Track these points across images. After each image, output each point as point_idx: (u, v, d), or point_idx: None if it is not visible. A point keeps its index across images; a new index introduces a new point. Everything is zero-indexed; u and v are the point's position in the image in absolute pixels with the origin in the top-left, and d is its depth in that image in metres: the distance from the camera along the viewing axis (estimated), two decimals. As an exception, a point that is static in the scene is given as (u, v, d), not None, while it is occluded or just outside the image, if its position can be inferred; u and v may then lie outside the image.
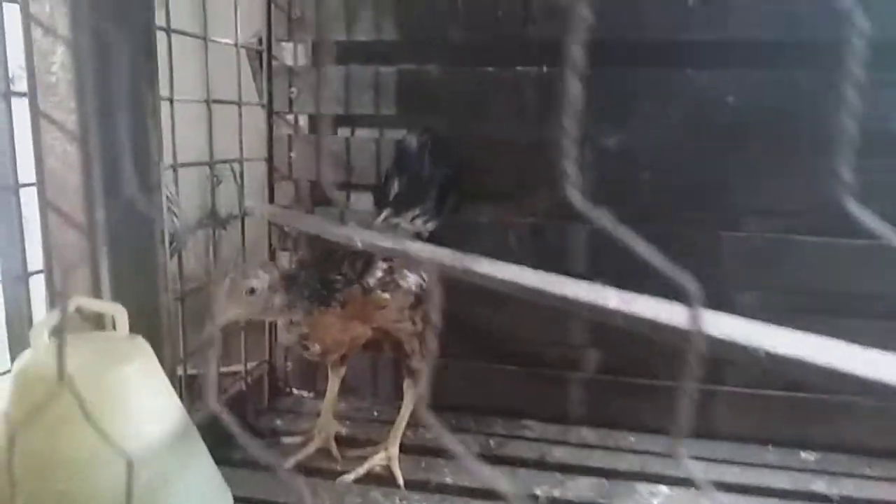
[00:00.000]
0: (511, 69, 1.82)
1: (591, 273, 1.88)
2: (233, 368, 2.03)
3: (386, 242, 1.24)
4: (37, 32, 1.17)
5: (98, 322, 1.17)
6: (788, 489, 1.66)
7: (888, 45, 1.62)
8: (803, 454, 1.82)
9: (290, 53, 1.95)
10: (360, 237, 1.31)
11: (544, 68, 1.80)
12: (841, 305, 1.76)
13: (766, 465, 1.77)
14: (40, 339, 0.98)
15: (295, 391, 2.16)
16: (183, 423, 1.15)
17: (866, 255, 1.70)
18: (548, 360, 1.96)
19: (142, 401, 1.05)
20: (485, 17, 1.81)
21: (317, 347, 1.55)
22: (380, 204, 1.83)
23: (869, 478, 1.72)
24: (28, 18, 1.17)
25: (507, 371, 1.99)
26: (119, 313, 1.09)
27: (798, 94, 1.68)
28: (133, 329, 1.16)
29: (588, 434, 1.93)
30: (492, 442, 1.88)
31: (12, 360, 1.12)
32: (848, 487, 1.66)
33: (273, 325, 2.11)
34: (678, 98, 1.75)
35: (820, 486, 1.67)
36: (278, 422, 2.00)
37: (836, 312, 1.75)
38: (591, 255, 1.85)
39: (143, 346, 1.11)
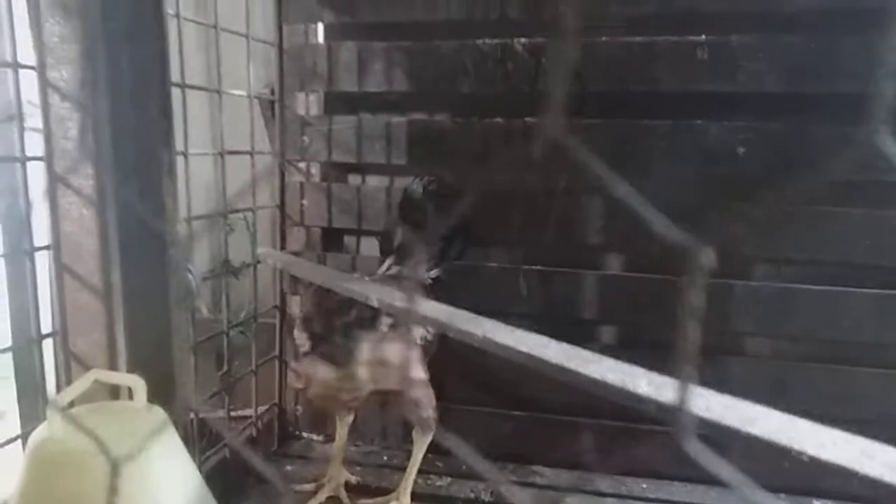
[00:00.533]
0: (520, 120, 1.84)
1: (597, 320, 1.90)
2: (243, 413, 2.04)
3: (395, 299, 1.25)
4: (54, 98, 1.19)
5: (115, 390, 1.17)
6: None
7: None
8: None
9: (303, 103, 1.98)
10: (372, 293, 1.32)
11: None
12: (851, 354, 1.76)
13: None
14: (56, 413, 0.98)
15: (305, 435, 2.16)
16: (202, 496, 1.15)
17: (875, 305, 1.70)
18: (558, 405, 1.95)
19: (165, 479, 1.05)
20: (494, 70, 1.83)
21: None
22: (384, 252, 1.85)
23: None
24: (45, 84, 1.20)
25: (516, 417, 1.98)
26: (138, 386, 1.10)
27: (805, 146, 1.69)
28: (149, 387, 1.16)
29: (600, 482, 1.92)
30: (503, 489, 1.87)
31: (22, 422, 1.13)
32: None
33: (283, 368, 2.11)
34: (688, 149, 1.76)
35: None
36: (288, 467, 1.99)
37: (846, 361, 1.75)
38: (598, 300, 1.86)
39: (162, 418, 1.11)
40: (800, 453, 0.59)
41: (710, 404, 0.67)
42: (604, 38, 1.77)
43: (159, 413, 1.11)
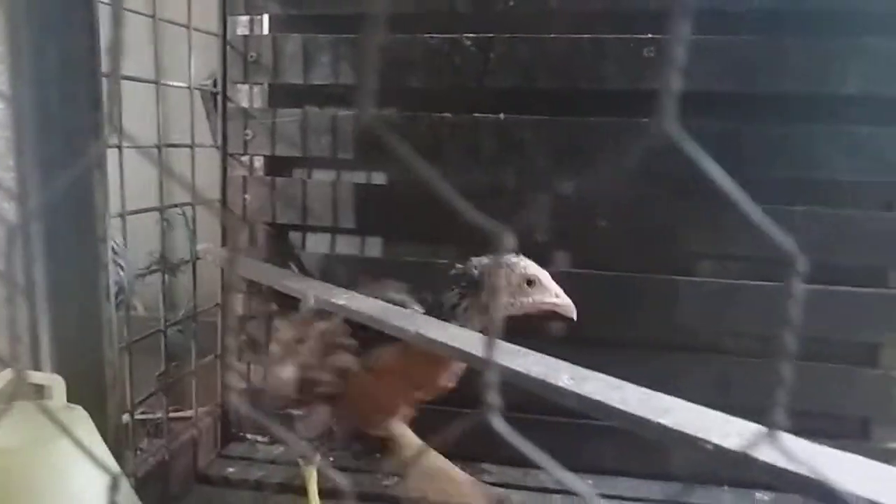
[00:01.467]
0: (469, 116, 1.82)
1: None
2: (184, 413, 1.98)
3: (339, 299, 1.22)
4: (-26, 87, 1.13)
5: (41, 390, 1.12)
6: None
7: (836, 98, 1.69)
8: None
9: (246, 95, 1.93)
10: (314, 292, 1.29)
11: (501, 116, 1.80)
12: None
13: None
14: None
15: (248, 437, 2.11)
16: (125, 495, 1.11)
17: (814, 300, 1.73)
18: (506, 402, 1.94)
19: (81, 473, 1.01)
20: (443, 65, 1.81)
21: None
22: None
23: None
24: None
25: (465, 415, 1.97)
26: (56, 384, 1.05)
27: (749, 144, 1.71)
28: (79, 387, 1.12)
29: (546, 478, 1.92)
30: (449, 488, 1.85)
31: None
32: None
33: (225, 368, 2.06)
34: (634, 147, 1.76)
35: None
36: (230, 469, 1.95)
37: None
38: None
39: (79, 417, 1.07)
40: (706, 442, 0.59)
41: (626, 396, 0.67)
42: (552, 36, 1.77)
43: (79, 412, 1.07)
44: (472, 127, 1.82)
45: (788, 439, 0.63)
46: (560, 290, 1.37)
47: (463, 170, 1.84)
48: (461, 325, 1.29)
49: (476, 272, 1.36)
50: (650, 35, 1.72)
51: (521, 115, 1.80)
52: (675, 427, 0.64)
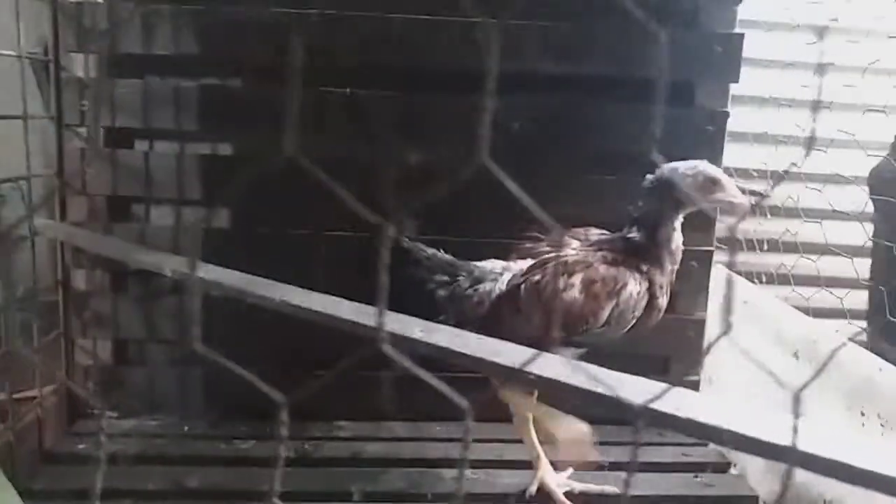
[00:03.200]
0: (316, 89, 1.89)
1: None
2: (28, 394, 1.92)
3: (198, 272, 1.27)
4: None
5: None
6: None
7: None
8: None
9: (81, 65, 1.87)
10: (168, 264, 1.33)
11: (348, 90, 1.89)
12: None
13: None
14: None
15: (97, 412, 2.08)
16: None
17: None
18: (360, 361, 2.06)
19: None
20: (290, 38, 1.86)
21: None
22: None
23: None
24: None
25: (318, 376, 2.06)
26: None
27: (575, 120, 1.93)
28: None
29: (399, 428, 2.07)
30: (307, 445, 1.95)
31: None
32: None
33: (71, 345, 2.02)
34: (470, 123, 1.91)
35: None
36: (81, 446, 1.92)
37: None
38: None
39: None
40: (528, 374, 0.75)
41: (467, 341, 0.81)
42: (390, 15, 1.87)
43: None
44: (320, 101, 1.89)
45: (596, 369, 0.80)
46: (738, 191, 1.52)
47: (311, 142, 1.90)
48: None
49: (670, 178, 1.50)
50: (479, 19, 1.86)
51: (368, 90, 1.89)
52: (507, 364, 0.79)
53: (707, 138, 1.95)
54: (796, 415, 0.50)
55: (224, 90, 1.96)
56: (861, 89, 2.03)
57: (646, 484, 1.80)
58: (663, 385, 0.80)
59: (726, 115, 1.98)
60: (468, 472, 1.82)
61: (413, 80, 1.92)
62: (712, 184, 1.50)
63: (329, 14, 1.86)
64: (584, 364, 0.80)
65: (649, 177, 1.55)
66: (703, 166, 1.53)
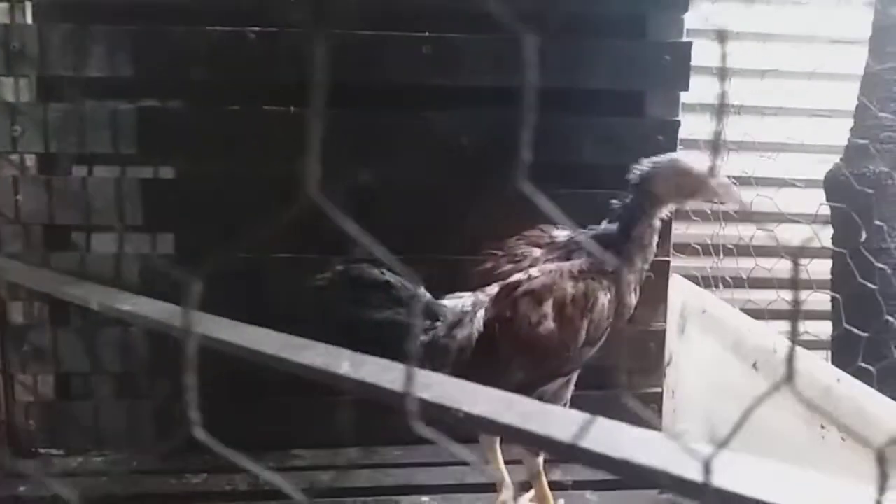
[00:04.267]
0: (257, 108, 1.84)
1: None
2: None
3: (124, 305, 1.21)
4: None
5: None
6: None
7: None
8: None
9: (11, 89, 1.79)
10: (95, 298, 1.27)
11: (291, 109, 1.84)
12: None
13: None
14: None
15: (42, 451, 1.99)
16: None
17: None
18: (315, 387, 2.00)
19: None
20: (230, 57, 1.81)
21: None
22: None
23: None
24: None
25: (275, 403, 2.00)
26: None
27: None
28: None
29: (355, 454, 2.00)
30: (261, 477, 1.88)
31: None
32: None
33: (10, 382, 1.93)
34: (419, 138, 1.88)
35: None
36: (22, 488, 1.83)
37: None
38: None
39: None
40: (458, 411, 0.70)
41: (397, 376, 0.76)
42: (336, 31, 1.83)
43: None
44: (262, 120, 1.84)
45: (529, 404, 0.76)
46: (727, 181, 1.45)
47: (255, 162, 1.85)
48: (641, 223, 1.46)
49: (646, 173, 1.45)
50: (427, 34, 1.83)
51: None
52: (433, 400, 0.74)
53: (658, 148, 1.93)
54: (721, 448, 0.46)
55: (163, 112, 1.89)
56: (807, 95, 2.04)
57: (610, 501, 1.77)
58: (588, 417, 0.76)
59: (677, 123, 1.97)
60: (424, 500, 1.77)
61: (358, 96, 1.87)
62: (686, 176, 1.44)
63: (268, 31, 1.81)
64: (517, 398, 0.76)
65: (634, 171, 1.50)
66: (677, 158, 1.48)
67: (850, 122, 2.04)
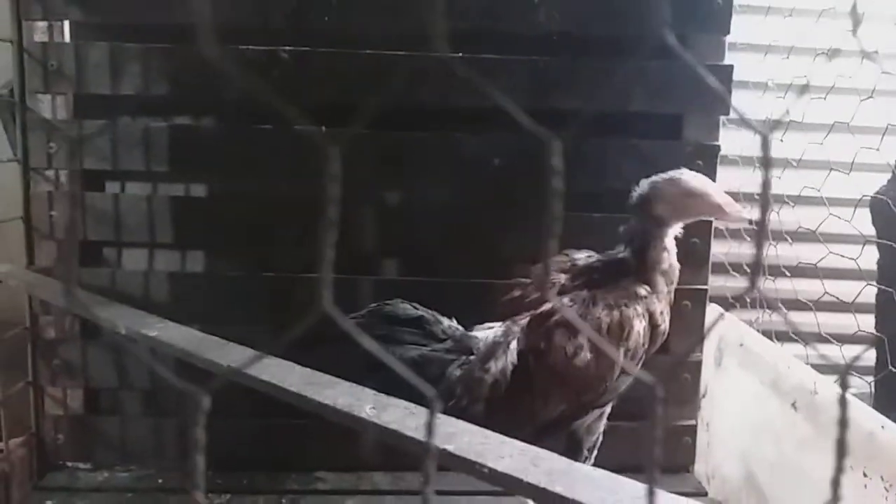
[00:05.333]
0: (289, 128, 1.83)
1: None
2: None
3: (151, 330, 1.20)
4: None
5: None
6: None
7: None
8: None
9: (48, 106, 1.82)
10: (123, 322, 1.26)
11: (323, 129, 1.82)
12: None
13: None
14: None
15: (69, 464, 1.99)
16: None
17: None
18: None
19: None
20: (259, 77, 1.80)
21: None
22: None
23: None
24: None
25: (298, 423, 1.98)
26: None
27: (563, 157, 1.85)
28: None
29: (381, 479, 1.97)
30: (284, 500, 1.86)
31: None
32: None
33: (40, 395, 1.94)
34: (452, 159, 1.86)
35: None
36: (49, 501, 1.84)
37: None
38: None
39: None
40: (482, 466, 0.67)
41: (421, 423, 0.73)
42: (368, 52, 1.81)
43: None
44: (294, 140, 1.83)
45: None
46: (729, 198, 1.42)
47: (285, 182, 1.84)
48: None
49: (645, 194, 1.42)
50: (461, 54, 1.80)
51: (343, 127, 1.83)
52: (458, 453, 0.71)
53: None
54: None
55: (194, 130, 1.90)
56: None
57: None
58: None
59: (717, 148, 1.90)
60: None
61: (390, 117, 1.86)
62: (686, 195, 1.40)
63: (300, 50, 1.81)
64: (543, 453, 0.72)
65: (633, 193, 1.46)
66: (680, 176, 1.43)
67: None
